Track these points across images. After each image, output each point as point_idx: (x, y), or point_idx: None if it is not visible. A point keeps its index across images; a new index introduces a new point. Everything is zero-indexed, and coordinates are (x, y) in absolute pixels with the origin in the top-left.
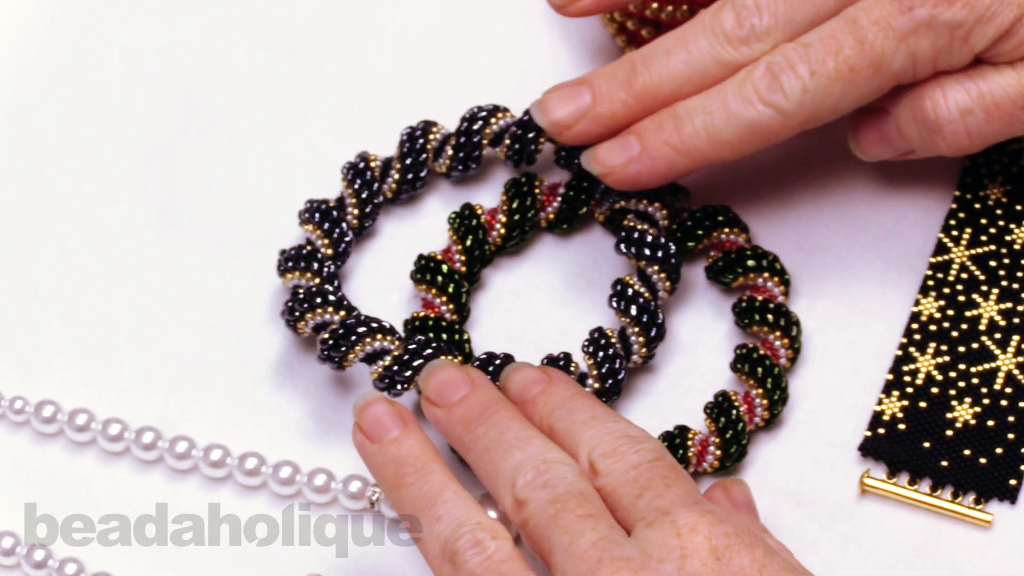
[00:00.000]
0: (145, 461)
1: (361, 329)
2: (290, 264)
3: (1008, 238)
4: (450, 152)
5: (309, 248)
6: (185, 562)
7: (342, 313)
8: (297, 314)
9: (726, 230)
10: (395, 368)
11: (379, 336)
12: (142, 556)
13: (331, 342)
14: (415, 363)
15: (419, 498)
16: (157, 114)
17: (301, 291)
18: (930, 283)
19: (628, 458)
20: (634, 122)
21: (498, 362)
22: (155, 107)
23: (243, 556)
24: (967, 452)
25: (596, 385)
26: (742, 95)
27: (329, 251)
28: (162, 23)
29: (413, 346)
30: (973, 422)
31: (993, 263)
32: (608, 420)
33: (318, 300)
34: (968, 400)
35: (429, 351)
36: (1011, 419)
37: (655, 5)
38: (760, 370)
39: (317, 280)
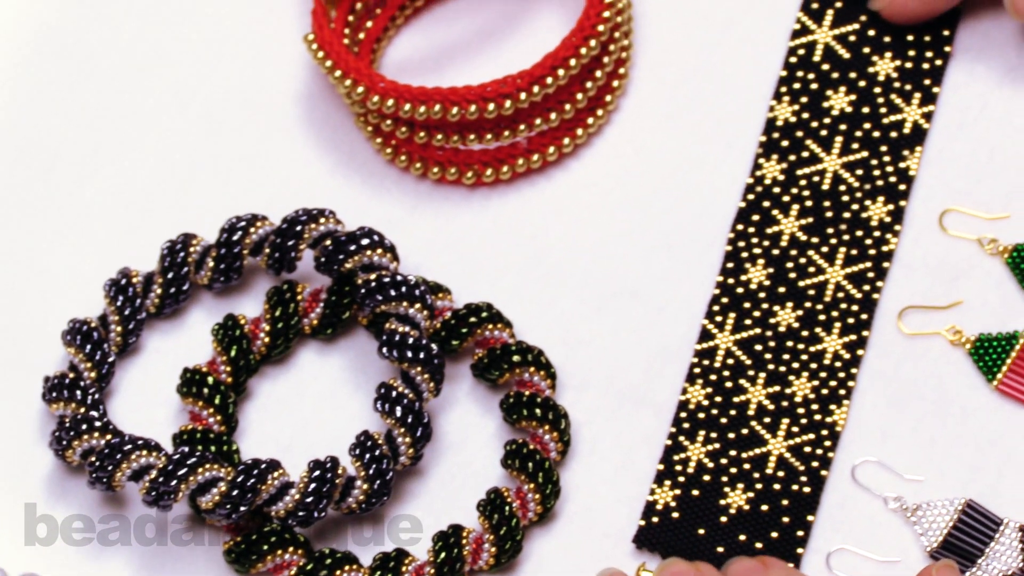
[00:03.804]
0: None
1: (126, 448)
2: (54, 394)
3: (772, 321)
4: (211, 263)
5: (72, 375)
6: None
7: (108, 437)
8: (64, 443)
9: (490, 326)
10: (160, 480)
11: (144, 452)
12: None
13: (97, 464)
14: (179, 473)
15: None
16: None
17: (67, 420)
18: (696, 370)
19: None
20: None
21: (263, 466)
22: None
23: None
24: (742, 537)
25: (365, 487)
26: None
27: (92, 374)
28: None
29: (177, 457)
30: (747, 507)
31: (759, 347)
32: None
33: (83, 427)
34: (741, 486)
35: (192, 460)
36: (785, 503)
37: (408, 106)
38: (531, 465)
39: (82, 409)
